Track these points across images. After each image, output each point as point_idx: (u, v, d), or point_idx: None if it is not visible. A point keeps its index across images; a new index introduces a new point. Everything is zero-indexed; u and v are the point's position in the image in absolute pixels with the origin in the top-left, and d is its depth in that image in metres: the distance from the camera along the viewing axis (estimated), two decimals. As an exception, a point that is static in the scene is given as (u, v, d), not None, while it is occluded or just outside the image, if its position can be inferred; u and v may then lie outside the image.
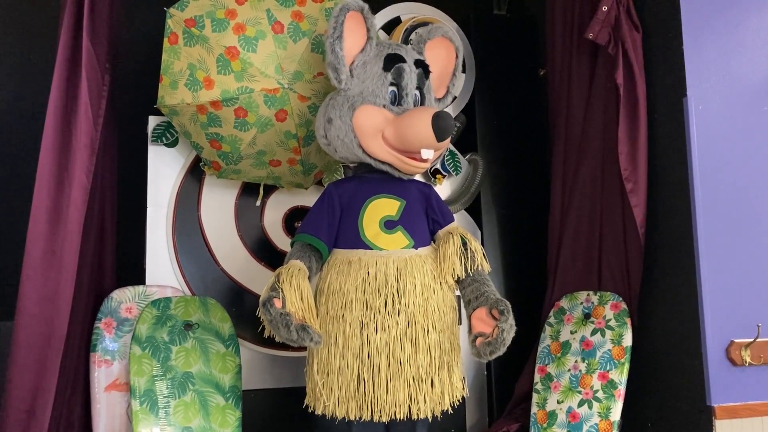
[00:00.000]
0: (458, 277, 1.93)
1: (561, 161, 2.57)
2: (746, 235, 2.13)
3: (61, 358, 1.95)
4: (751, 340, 2.05)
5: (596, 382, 2.23)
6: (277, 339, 1.74)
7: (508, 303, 1.82)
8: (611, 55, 2.30)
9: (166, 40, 2.07)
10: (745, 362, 2.04)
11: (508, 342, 1.77)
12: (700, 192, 2.10)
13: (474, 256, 1.93)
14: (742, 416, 2.02)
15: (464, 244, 1.94)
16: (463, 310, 1.97)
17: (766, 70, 2.22)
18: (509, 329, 1.77)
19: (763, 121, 2.20)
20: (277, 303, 1.72)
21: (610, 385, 2.20)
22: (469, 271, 1.92)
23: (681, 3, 2.16)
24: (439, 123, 1.81)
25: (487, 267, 1.95)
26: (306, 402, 1.92)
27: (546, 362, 2.38)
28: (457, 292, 1.97)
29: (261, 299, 1.74)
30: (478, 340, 1.78)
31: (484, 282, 1.92)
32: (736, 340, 2.05)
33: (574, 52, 2.51)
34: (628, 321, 2.26)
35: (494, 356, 1.76)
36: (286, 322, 1.68)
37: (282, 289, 1.75)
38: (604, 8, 2.27)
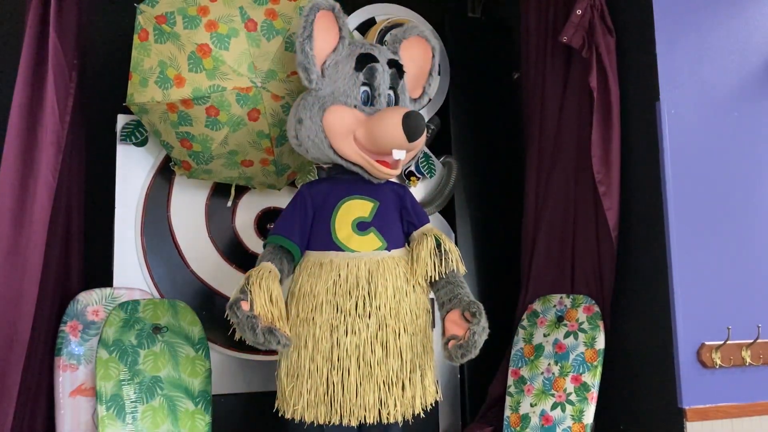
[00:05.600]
0: (431, 279, 1.90)
1: (535, 164, 2.57)
2: (718, 238, 2.15)
3: (24, 362, 1.90)
4: (722, 342, 2.07)
5: (569, 385, 2.23)
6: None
7: (480, 305, 1.79)
8: (585, 59, 2.31)
9: (136, 36, 2.04)
10: (716, 364, 2.06)
11: (480, 345, 1.74)
12: (672, 196, 2.11)
13: (448, 257, 1.90)
14: (712, 418, 2.03)
15: (438, 245, 1.91)
16: (438, 313, 1.95)
17: (738, 75, 2.25)
18: (481, 332, 1.74)
19: (734, 126, 2.23)
20: (245, 305, 1.69)
21: (583, 388, 2.21)
22: (442, 273, 1.89)
23: (654, 8, 2.19)
24: (409, 123, 1.78)
25: (462, 269, 1.92)
26: (276, 406, 1.89)
27: (519, 365, 2.38)
28: (431, 295, 1.95)
29: (228, 302, 1.71)
30: (450, 343, 1.75)
31: (458, 284, 1.88)
32: (706, 343, 2.07)
33: (548, 56, 2.52)
34: (601, 324, 2.27)
35: (466, 359, 1.73)
36: (252, 325, 1.66)
37: (251, 291, 1.72)
38: (579, 12, 2.28)
